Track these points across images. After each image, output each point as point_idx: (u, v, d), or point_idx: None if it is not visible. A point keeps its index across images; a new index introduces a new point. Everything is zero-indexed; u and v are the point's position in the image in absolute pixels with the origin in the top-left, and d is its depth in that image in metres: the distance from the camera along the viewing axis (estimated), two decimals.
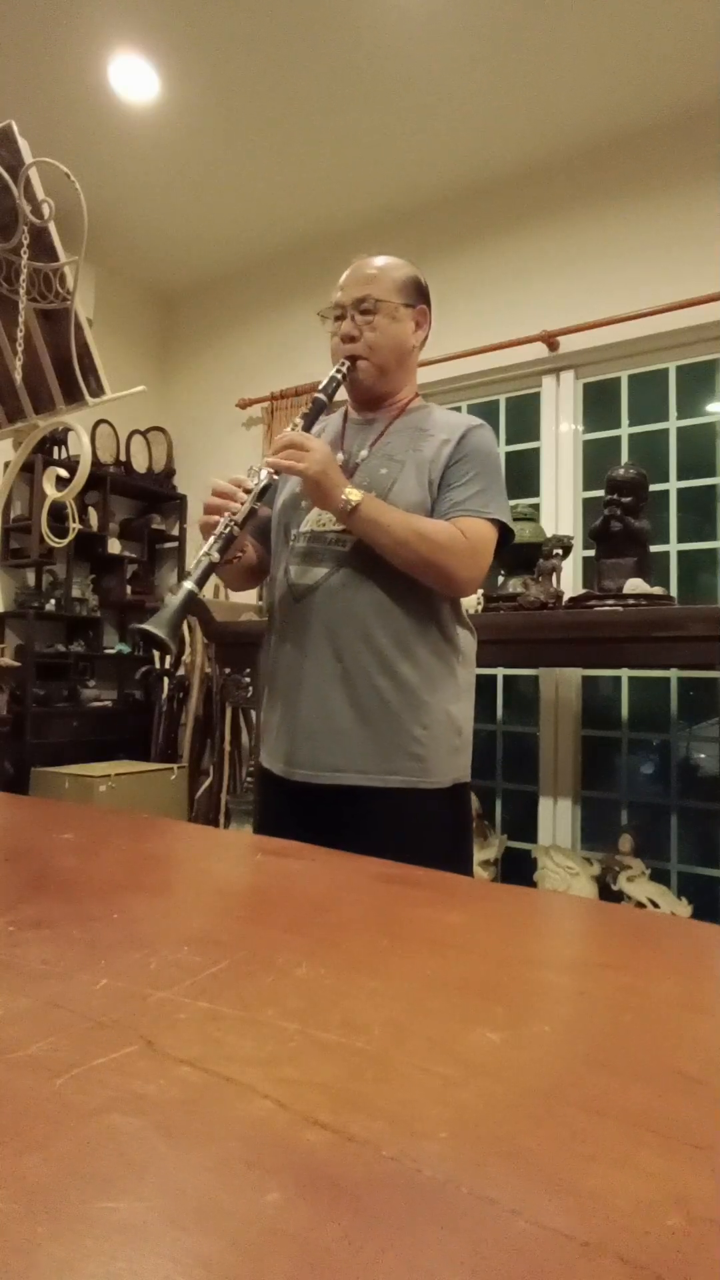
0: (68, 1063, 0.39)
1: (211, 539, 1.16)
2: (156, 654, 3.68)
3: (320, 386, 1.31)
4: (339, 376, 1.31)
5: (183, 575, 1.19)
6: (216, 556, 1.14)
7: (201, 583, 1.12)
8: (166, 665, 3.80)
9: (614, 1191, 0.31)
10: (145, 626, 1.06)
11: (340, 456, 1.32)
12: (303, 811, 1.26)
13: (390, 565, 1.23)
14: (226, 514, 1.17)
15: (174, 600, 1.09)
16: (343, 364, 1.31)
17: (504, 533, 1.30)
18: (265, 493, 1.21)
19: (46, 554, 3.64)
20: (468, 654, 1.34)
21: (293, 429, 1.25)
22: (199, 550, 1.17)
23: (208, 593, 2.43)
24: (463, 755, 1.31)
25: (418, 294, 1.35)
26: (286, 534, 1.34)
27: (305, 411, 1.29)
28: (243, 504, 1.18)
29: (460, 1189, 0.31)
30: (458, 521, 1.24)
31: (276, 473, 1.21)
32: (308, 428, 1.28)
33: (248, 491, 1.19)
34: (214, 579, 1.34)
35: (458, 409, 3.51)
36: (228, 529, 1.16)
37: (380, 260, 1.34)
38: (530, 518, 2.75)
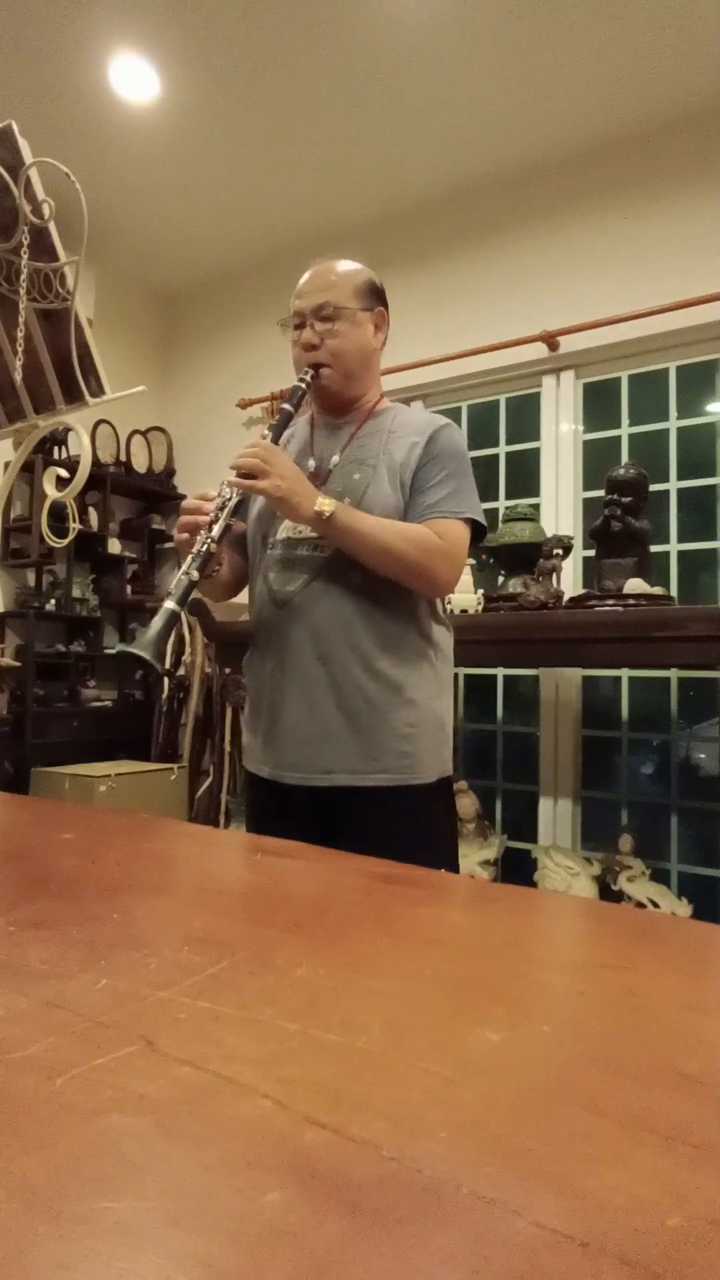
0: (68, 1063, 0.39)
1: (190, 558, 1.17)
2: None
3: (286, 398, 1.32)
4: (304, 386, 1.32)
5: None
6: (196, 575, 1.16)
7: (183, 602, 1.14)
8: (167, 665, 3.79)
9: (614, 1191, 0.31)
10: (130, 649, 1.08)
11: (311, 463, 1.34)
12: (294, 813, 1.27)
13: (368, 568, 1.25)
14: (203, 532, 1.19)
15: (157, 621, 1.11)
16: (306, 373, 1.32)
17: (476, 528, 1.32)
18: (239, 508, 1.23)
19: (46, 554, 3.64)
20: (446, 651, 1.36)
21: (262, 439, 1.26)
22: (179, 569, 1.19)
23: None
24: (446, 750, 1.34)
25: (375, 297, 1.36)
26: (264, 542, 1.35)
27: (272, 423, 1.30)
28: (216, 520, 1.19)
29: (460, 1189, 0.31)
30: (433, 524, 1.26)
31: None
32: (276, 439, 1.29)
33: (221, 508, 1.20)
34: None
35: (458, 409, 3.52)
36: (204, 546, 1.17)
37: (336, 266, 1.35)
38: (530, 518, 2.75)
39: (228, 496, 1.21)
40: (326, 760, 1.25)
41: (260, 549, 1.36)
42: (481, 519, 1.31)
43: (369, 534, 1.21)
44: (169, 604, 1.12)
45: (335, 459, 1.33)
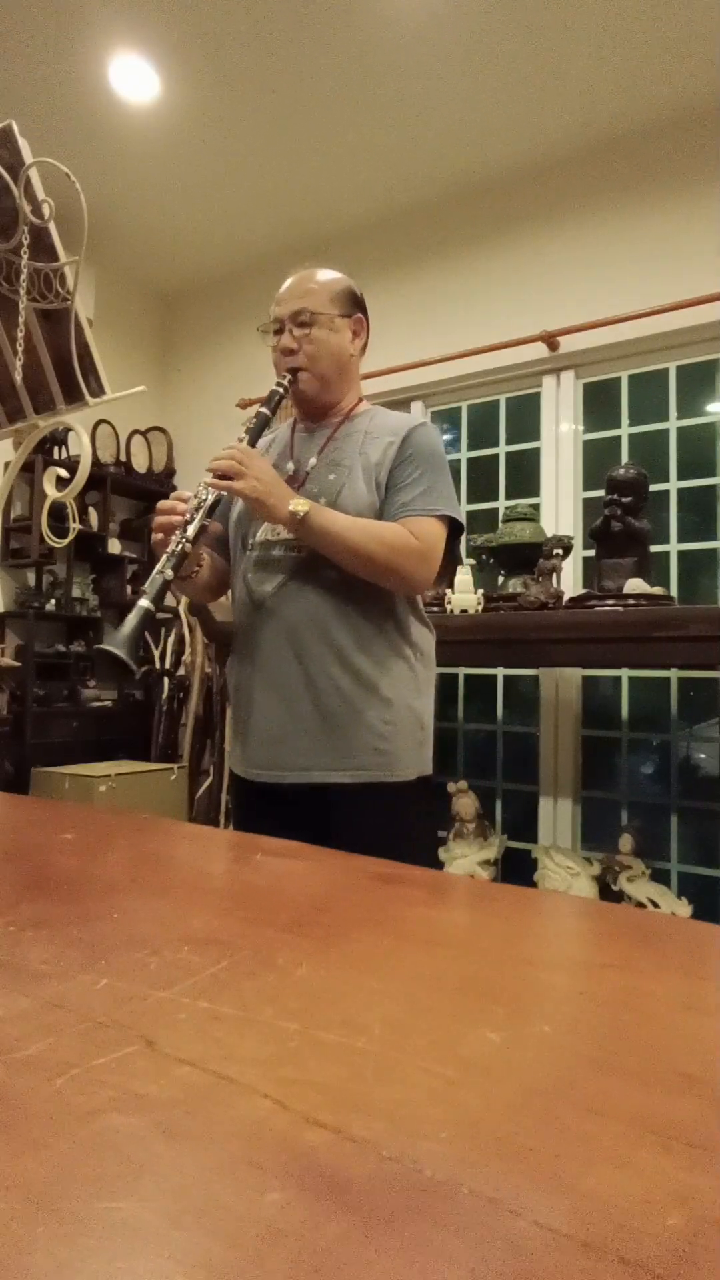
0: (68, 1063, 0.39)
1: (164, 556, 1.18)
2: (168, 657, 3.67)
3: (262, 401, 1.33)
4: (281, 390, 1.33)
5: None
6: (170, 574, 1.16)
7: (157, 601, 1.14)
8: (166, 665, 3.80)
9: (614, 1191, 0.31)
10: (104, 646, 1.09)
11: (290, 466, 1.36)
12: (272, 812, 1.28)
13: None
14: (178, 531, 1.19)
15: (131, 619, 1.12)
16: (284, 377, 1.33)
17: (453, 525, 1.33)
18: (214, 508, 1.23)
19: (47, 554, 3.64)
20: (426, 650, 1.37)
21: (239, 441, 1.27)
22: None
23: None
24: (426, 749, 1.34)
25: (353, 304, 1.37)
26: (244, 544, 1.36)
27: (249, 426, 1.31)
28: (191, 520, 1.20)
29: (460, 1189, 0.31)
30: (406, 522, 1.27)
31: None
32: (252, 442, 1.30)
33: (196, 509, 1.21)
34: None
35: (458, 409, 3.51)
36: (179, 546, 1.18)
37: (316, 274, 1.37)
38: (530, 518, 2.75)
39: (204, 498, 1.22)
40: (301, 758, 1.27)
41: (240, 551, 1.37)
42: (457, 515, 1.32)
43: (342, 534, 1.23)
44: (143, 602, 1.13)
45: (312, 461, 1.35)
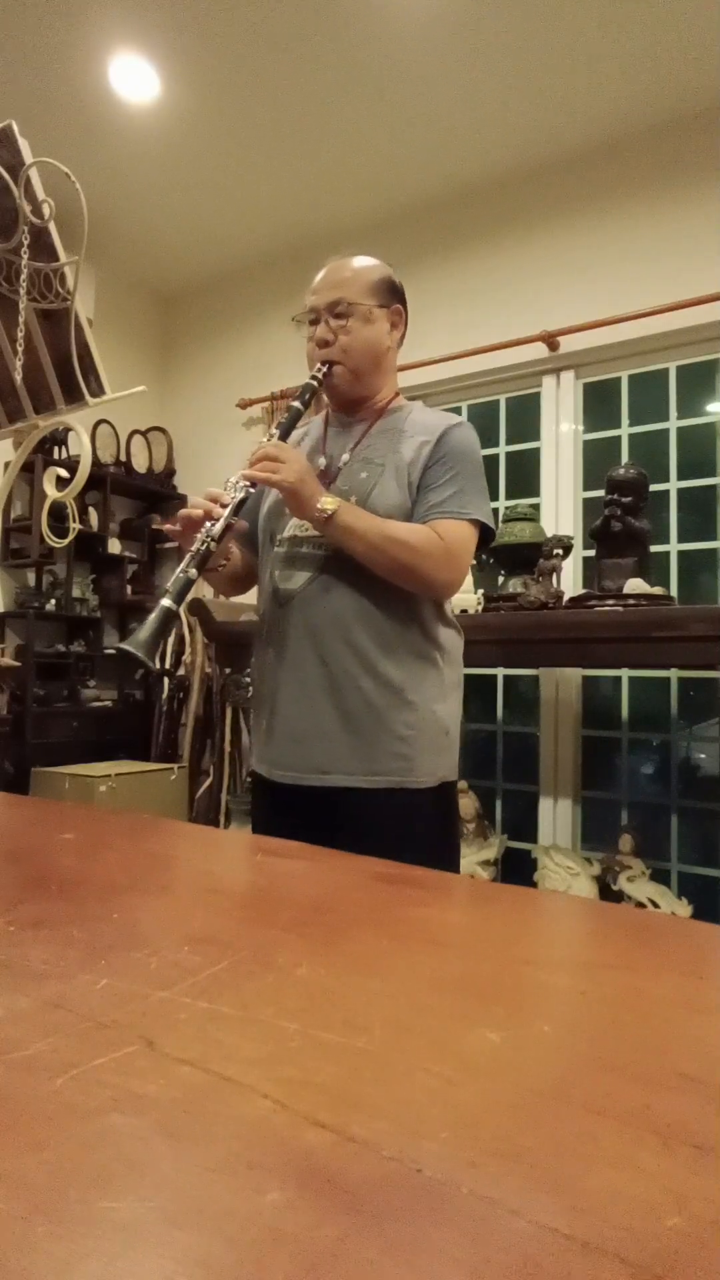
0: (68, 1063, 0.39)
1: (189, 555, 1.16)
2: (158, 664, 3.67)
3: (296, 394, 1.31)
4: (315, 382, 1.31)
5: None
6: (194, 574, 1.14)
7: (179, 600, 1.12)
8: (166, 665, 3.80)
9: (614, 1191, 0.31)
10: (124, 646, 1.07)
11: (322, 461, 1.34)
12: (293, 813, 1.27)
13: None
14: (204, 528, 1.17)
15: (152, 620, 1.09)
16: (319, 369, 1.31)
17: (484, 531, 1.30)
18: (241, 506, 1.21)
19: (47, 554, 3.64)
20: (453, 653, 1.35)
21: (269, 439, 1.25)
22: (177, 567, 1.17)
23: (207, 591, 2.43)
24: (449, 754, 1.32)
25: (391, 294, 1.34)
26: (271, 540, 1.35)
27: (281, 420, 1.29)
28: (218, 518, 1.18)
29: (460, 1189, 0.31)
30: (435, 524, 1.24)
31: (253, 485, 1.22)
32: (284, 436, 1.28)
33: (224, 506, 1.19)
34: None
35: (458, 409, 3.51)
36: (204, 545, 1.16)
37: (352, 262, 1.33)
38: (530, 518, 2.75)
39: (233, 496, 1.20)
40: (322, 760, 1.25)
41: (268, 546, 1.36)
42: (488, 520, 1.29)
43: (367, 534, 1.21)
44: (165, 602, 1.11)
45: (345, 458, 1.32)
